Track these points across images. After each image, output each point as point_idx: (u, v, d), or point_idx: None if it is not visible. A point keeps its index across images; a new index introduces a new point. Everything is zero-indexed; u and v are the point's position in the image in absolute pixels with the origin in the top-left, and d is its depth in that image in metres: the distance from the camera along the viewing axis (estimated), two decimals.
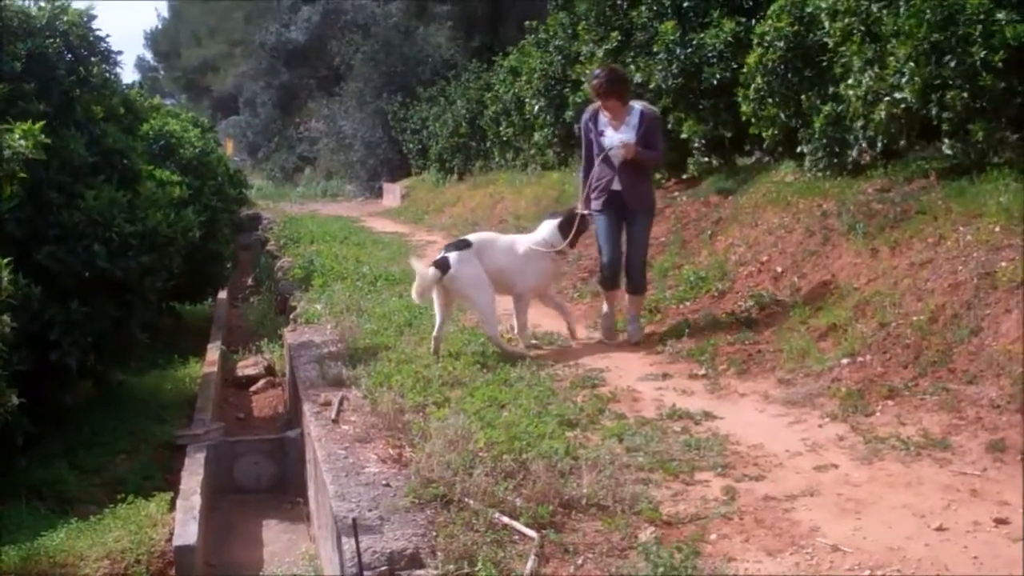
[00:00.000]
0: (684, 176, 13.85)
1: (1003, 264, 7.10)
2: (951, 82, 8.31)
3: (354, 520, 4.97)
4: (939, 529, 4.83)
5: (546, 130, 18.79)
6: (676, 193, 13.41)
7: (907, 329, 7.20)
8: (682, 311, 9.70)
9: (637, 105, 9.05)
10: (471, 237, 8.88)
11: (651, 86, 13.19)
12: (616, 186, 8.90)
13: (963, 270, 7.31)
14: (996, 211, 7.64)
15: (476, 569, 4.64)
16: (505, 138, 22.15)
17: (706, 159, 13.32)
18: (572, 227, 8.82)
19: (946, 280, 7.35)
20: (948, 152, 8.89)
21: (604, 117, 8.98)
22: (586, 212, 9.02)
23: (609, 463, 5.74)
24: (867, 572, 4.40)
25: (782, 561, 4.63)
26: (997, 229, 7.48)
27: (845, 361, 7.28)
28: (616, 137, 8.85)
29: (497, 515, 5.13)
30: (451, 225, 20.42)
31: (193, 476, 8.17)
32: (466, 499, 5.29)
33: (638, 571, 4.46)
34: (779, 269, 9.36)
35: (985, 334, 6.70)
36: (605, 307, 9.32)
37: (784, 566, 4.57)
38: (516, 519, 5.09)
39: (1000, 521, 4.87)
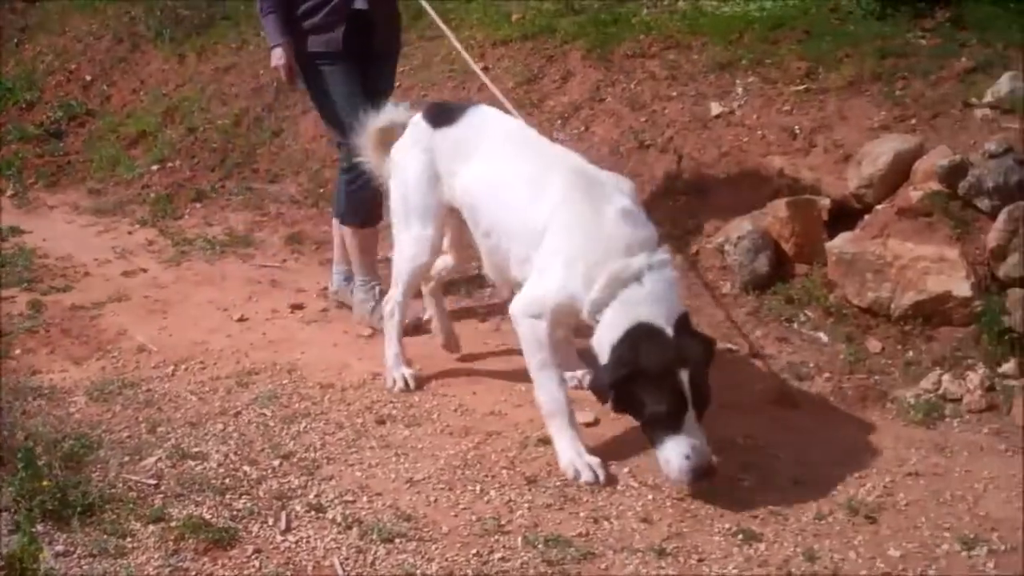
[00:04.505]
0: None
1: None
2: None
3: None
4: (241, 320, 5.12)
5: None
6: None
7: (214, 133, 7.41)
8: None
9: None
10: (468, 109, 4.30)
11: None
12: (360, 3, 4.89)
13: (264, 74, 7.60)
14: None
15: None
16: None
17: None
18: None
19: (249, 84, 7.64)
20: None
21: None
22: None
23: None
24: (171, 367, 4.57)
25: (88, 367, 4.65)
26: None
27: (155, 167, 7.36)
28: None
29: None
30: None
31: None
32: None
33: None
34: (88, 78, 9.03)
35: (285, 135, 7.13)
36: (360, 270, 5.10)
37: (90, 371, 4.60)
38: None
39: (296, 307, 5.28)
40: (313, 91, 5.09)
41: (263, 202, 6.59)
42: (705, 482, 3.36)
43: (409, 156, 4.21)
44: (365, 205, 4.95)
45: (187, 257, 5.99)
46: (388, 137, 4.41)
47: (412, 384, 4.26)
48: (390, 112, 4.42)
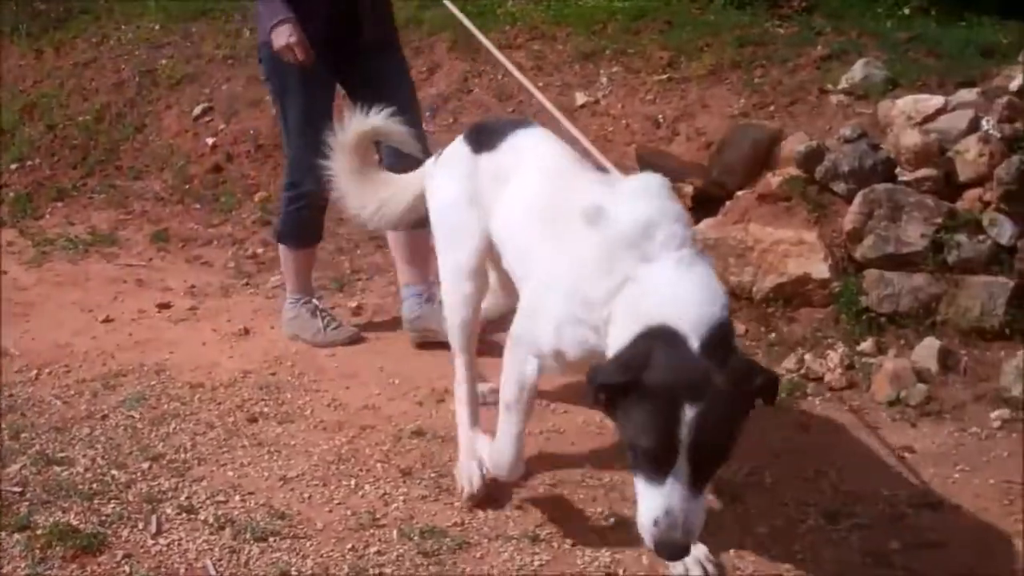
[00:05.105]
0: None
1: (163, 61, 7.38)
2: None
3: None
4: (106, 320, 5.00)
5: None
6: None
7: (74, 130, 7.23)
8: None
9: None
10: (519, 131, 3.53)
11: None
12: None
13: (126, 68, 7.47)
14: (155, 10, 7.87)
15: None
16: None
17: None
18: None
19: (110, 79, 7.48)
20: None
21: None
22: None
23: None
24: (34, 371, 4.44)
25: None
26: (157, 28, 7.74)
27: (14, 166, 7.13)
28: None
29: None
30: None
31: None
32: None
33: None
34: None
35: (149, 131, 6.99)
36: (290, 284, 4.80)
37: None
38: None
39: (163, 306, 5.17)
40: (276, 86, 4.50)
41: (127, 200, 6.46)
42: (678, 558, 2.60)
43: (447, 180, 3.58)
44: (304, 226, 4.59)
45: (49, 258, 5.83)
46: (365, 148, 3.86)
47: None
48: (374, 119, 3.74)
